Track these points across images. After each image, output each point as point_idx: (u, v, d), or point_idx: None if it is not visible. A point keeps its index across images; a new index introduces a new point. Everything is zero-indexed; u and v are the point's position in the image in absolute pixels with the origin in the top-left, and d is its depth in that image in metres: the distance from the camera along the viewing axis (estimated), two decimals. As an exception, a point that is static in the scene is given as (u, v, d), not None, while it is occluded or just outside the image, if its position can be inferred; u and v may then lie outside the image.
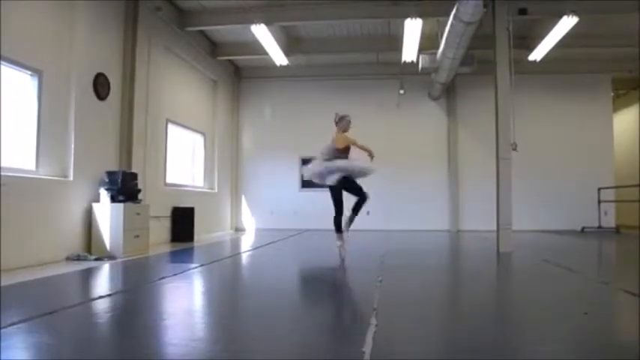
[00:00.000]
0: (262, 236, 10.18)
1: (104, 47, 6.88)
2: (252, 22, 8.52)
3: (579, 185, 11.50)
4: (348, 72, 12.12)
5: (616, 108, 12.61)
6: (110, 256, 6.09)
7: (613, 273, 5.65)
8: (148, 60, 7.82)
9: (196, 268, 5.42)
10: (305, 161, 11.78)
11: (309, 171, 6.02)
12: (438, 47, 9.02)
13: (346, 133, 5.99)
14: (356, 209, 5.91)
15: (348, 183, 5.80)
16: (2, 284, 3.99)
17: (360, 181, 5.92)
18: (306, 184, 11.76)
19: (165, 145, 8.81)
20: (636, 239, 9.22)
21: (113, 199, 6.36)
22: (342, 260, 5.79)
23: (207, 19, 9.03)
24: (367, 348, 2.30)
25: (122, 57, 7.29)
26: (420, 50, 9.62)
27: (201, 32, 9.95)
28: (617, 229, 11.10)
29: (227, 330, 2.88)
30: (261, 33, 8.89)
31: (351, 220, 5.97)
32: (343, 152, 5.91)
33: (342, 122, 5.98)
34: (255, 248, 7.91)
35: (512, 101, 7.24)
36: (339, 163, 5.79)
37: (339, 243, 5.95)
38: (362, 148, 5.93)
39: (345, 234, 5.96)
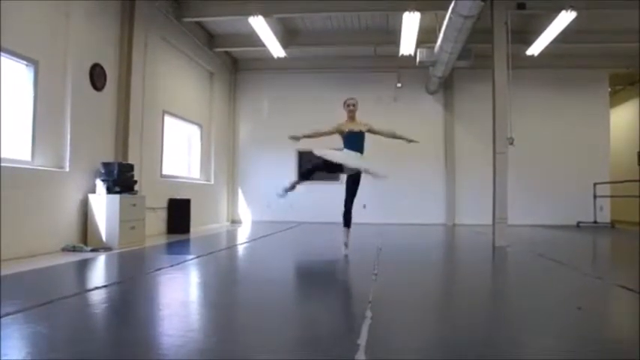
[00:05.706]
0: (258, 228, 10.19)
1: (100, 37, 6.83)
2: (250, 13, 8.47)
3: (575, 180, 11.55)
4: (346, 65, 12.08)
5: (613, 104, 12.64)
6: (106, 248, 6.09)
7: (607, 268, 5.69)
8: (145, 51, 7.77)
9: (192, 259, 5.43)
10: (302, 154, 12.02)
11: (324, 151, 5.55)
12: (435, 41, 9.00)
13: (358, 120, 5.88)
14: (347, 221, 5.71)
15: (354, 180, 5.65)
16: (-2, 274, 4.00)
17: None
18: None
19: (161, 136, 8.78)
20: (630, 235, 9.29)
21: (109, 191, 6.35)
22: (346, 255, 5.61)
23: (205, 10, 8.98)
24: (362, 340, 2.31)
25: (119, 47, 7.23)
26: (418, 44, 9.59)
27: (199, 23, 9.89)
28: (612, 225, 11.16)
29: (223, 321, 2.89)
30: (259, 25, 8.85)
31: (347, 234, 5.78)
32: (356, 134, 5.69)
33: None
34: (251, 240, 7.92)
35: (509, 96, 7.24)
36: (362, 162, 5.56)
37: (345, 239, 5.71)
38: (388, 134, 6.01)
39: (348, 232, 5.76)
